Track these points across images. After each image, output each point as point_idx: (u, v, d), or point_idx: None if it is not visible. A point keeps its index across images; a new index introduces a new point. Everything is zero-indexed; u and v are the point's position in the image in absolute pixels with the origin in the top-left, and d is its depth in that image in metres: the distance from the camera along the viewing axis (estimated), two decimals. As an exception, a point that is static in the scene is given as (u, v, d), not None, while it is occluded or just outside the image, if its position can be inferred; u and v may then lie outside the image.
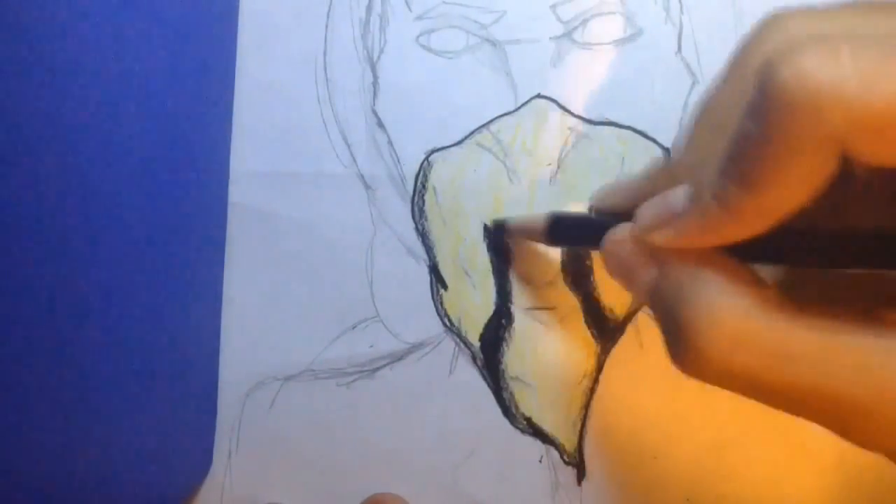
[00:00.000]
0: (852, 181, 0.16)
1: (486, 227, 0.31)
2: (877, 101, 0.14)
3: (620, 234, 0.21)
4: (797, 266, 0.20)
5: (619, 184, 0.25)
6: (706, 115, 0.21)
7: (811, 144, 0.15)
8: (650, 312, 0.31)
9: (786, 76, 0.15)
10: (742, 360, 0.17)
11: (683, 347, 0.18)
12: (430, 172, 0.32)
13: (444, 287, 0.32)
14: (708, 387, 0.19)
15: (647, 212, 0.20)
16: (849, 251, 0.18)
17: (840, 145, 0.15)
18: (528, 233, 0.29)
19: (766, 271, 0.19)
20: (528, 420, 0.31)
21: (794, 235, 0.18)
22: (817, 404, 0.17)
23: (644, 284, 0.20)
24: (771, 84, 0.15)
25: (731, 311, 0.17)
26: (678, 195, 0.19)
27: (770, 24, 0.18)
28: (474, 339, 0.32)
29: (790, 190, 0.16)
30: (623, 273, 0.21)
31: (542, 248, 0.31)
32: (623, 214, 0.21)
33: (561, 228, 0.26)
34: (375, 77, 0.32)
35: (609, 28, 0.31)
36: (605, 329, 0.31)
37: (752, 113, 0.16)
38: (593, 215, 0.26)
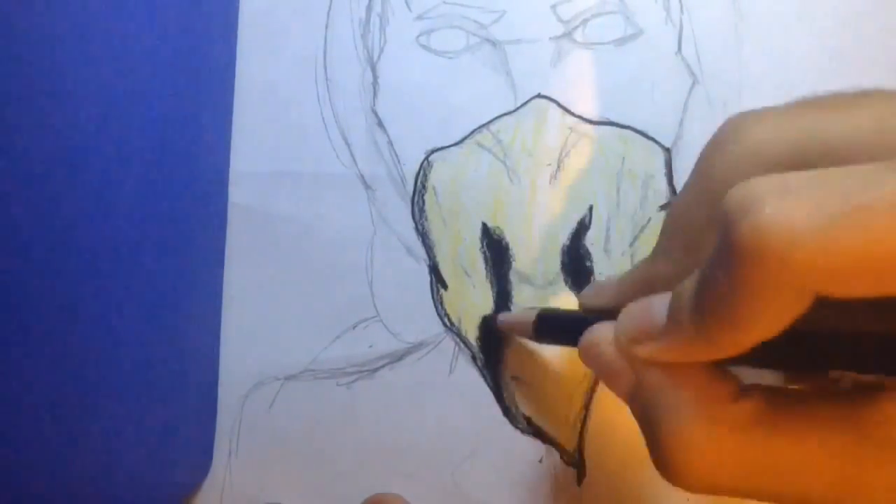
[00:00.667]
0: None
1: (484, 226, 0.32)
2: (838, 252, 0.14)
3: (598, 335, 0.22)
4: (779, 369, 0.20)
5: (603, 283, 0.26)
6: (675, 223, 0.21)
7: (779, 292, 0.15)
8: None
9: (746, 232, 0.15)
10: (720, 477, 0.18)
11: (661, 460, 0.19)
12: (430, 172, 0.32)
13: (444, 287, 0.32)
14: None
15: (628, 321, 0.20)
16: (832, 355, 0.18)
17: (809, 290, 0.15)
18: (517, 330, 0.30)
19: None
20: (528, 420, 0.31)
21: (777, 346, 0.17)
22: None
23: (623, 387, 0.21)
24: (733, 238, 0.15)
25: (707, 434, 0.18)
26: (659, 308, 0.19)
27: (732, 132, 0.18)
28: (474, 339, 0.32)
29: (764, 326, 0.16)
30: (603, 374, 0.22)
31: (542, 247, 0.31)
32: (608, 312, 0.22)
33: (547, 326, 0.27)
34: (375, 77, 0.32)
35: (609, 28, 0.31)
36: (606, 329, 0.31)
37: (719, 262, 0.16)
38: (579, 314, 0.26)
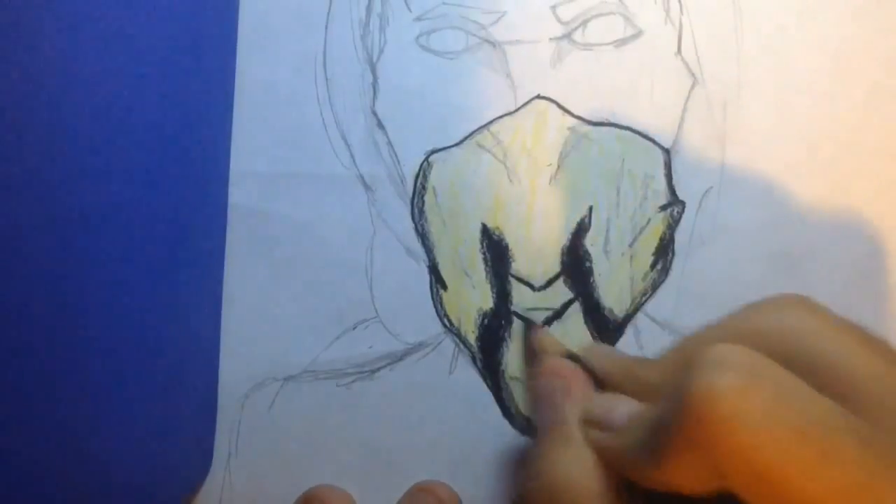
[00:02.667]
0: None
1: (483, 227, 0.31)
2: (751, 455, 0.16)
3: (558, 368, 0.26)
4: None
5: (609, 352, 0.28)
6: (685, 349, 0.23)
7: (698, 458, 0.17)
8: (650, 313, 0.31)
9: (701, 391, 0.16)
10: None
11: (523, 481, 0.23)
12: (429, 173, 0.32)
13: (444, 287, 0.32)
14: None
15: (600, 401, 0.24)
16: None
17: (716, 479, 0.17)
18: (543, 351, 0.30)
19: None
20: (528, 420, 0.31)
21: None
22: None
23: (542, 419, 0.25)
24: (688, 391, 0.17)
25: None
26: (623, 412, 0.22)
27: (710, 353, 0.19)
28: (474, 340, 0.32)
29: (681, 481, 0.18)
30: (546, 398, 0.26)
31: (542, 247, 0.31)
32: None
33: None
34: (375, 77, 0.32)
35: (609, 29, 0.31)
36: (605, 329, 0.31)
37: (671, 404, 0.18)
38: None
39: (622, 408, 0.22)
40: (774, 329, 0.20)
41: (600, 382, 0.26)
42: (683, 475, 0.17)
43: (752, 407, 0.16)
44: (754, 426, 0.15)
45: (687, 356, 0.21)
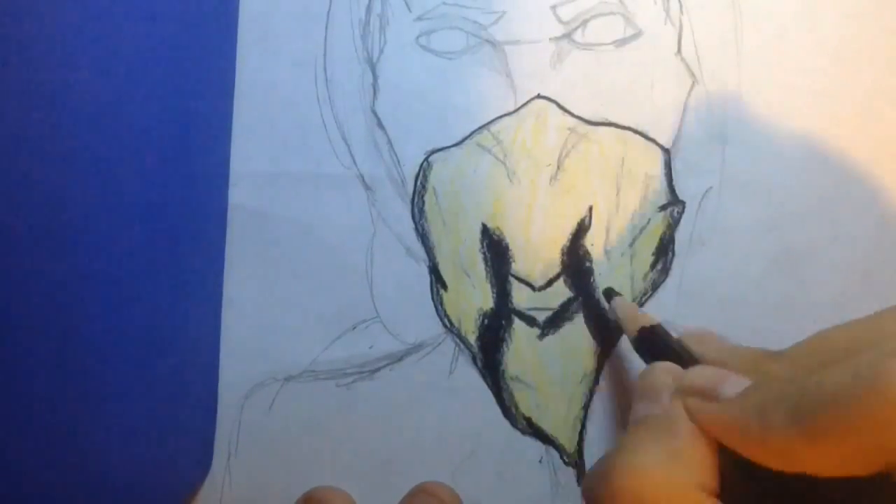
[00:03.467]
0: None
1: (483, 227, 0.31)
2: None
3: (667, 367, 0.24)
4: None
5: (712, 339, 0.27)
6: (826, 343, 0.22)
7: (869, 442, 0.16)
8: (650, 313, 0.31)
9: (890, 381, 0.16)
10: None
11: (598, 484, 0.20)
12: (429, 173, 0.32)
13: (444, 287, 0.32)
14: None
15: (705, 373, 0.22)
16: None
17: (884, 460, 0.16)
18: (620, 321, 0.30)
19: None
20: (528, 420, 0.31)
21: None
22: None
23: (637, 410, 0.23)
24: (880, 373, 0.16)
25: (658, 488, 0.19)
26: (732, 386, 0.20)
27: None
28: (474, 340, 0.32)
29: (831, 459, 0.17)
30: (647, 392, 0.23)
31: (542, 247, 0.31)
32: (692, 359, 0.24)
33: (647, 341, 0.27)
34: (375, 77, 0.32)
35: (609, 29, 0.31)
36: (605, 329, 0.31)
37: (850, 382, 0.17)
38: (677, 346, 0.26)
39: (736, 380, 0.21)
40: None
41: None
42: (838, 453, 0.17)
43: None
44: None
45: (832, 349, 0.20)
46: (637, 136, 0.31)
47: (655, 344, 0.27)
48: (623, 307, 0.30)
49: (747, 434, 0.19)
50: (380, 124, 0.32)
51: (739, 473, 0.19)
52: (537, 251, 0.31)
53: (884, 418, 0.16)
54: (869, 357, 0.17)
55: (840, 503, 0.18)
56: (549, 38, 0.32)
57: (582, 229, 0.31)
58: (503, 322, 0.31)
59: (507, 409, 0.32)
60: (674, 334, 0.27)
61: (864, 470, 0.17)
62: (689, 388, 0.21)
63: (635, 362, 0.31)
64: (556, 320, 0.31)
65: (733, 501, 0.19)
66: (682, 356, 0.25)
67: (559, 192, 0.31)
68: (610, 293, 0.31)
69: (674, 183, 0.31)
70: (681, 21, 0.32)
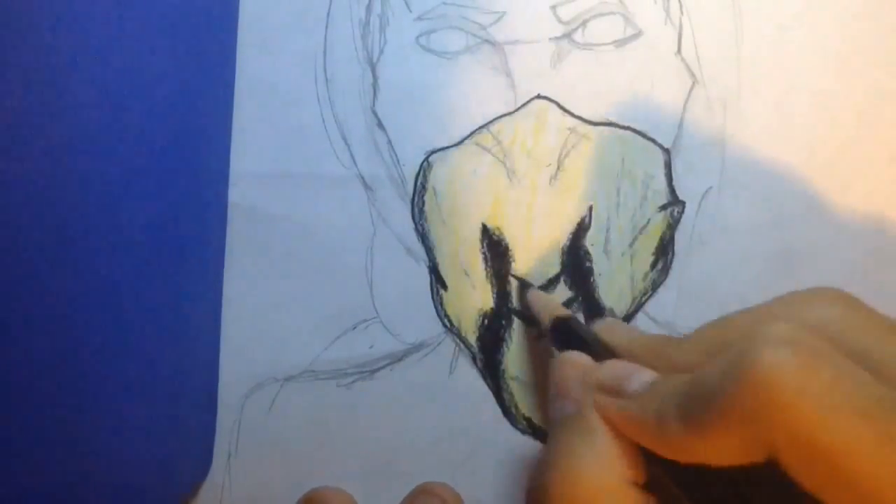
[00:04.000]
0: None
1: (483, 227, 0.32)
2: (830, 431, 0.15)
3: (579, 359, 0.24)
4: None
5: (620, 327, 0.27)
6: (727, 328, 0.22)
7: (756, 426, 0.16)
8: (650, 313, 0.31)
9: (763, 369, 0.16)
10: None
11: (538, 491, 0.21)
12: (429, 173, 0.32)
13: (444, 287, 0.32)
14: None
15: (612, 369, 0.22)
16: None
17: (767, 449, 0.16)
18: (535, 313, 0.30)
19: None
20: (528, 420, 0.31)
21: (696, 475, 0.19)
22: None
23: (559, 411, 0.23)
24: (750, 362, 0.16)
25: (594, 490, 0.20)
26: (642, 380, 0.21)
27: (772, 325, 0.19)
28: (474, 340, 0.32)
29: (720, 450, 0.17)
30: (558, 389, 0.23)
31: (542, 247, 0.31)
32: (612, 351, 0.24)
33: (560, 331, 0.27)
34: (375, 77, 0.32)
35: (609, 29, 0.31)
36: (605, 329, 0.31)
37: (726, 381, 0.17)
38: (589, 336, 0.26)
39: (640, 375, 0.21)
40: (819, 320, 0.19)
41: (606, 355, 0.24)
42: (724, 445, 0.17)
43: (816, 384, 0.16)
44: (818, 402, 0.16)
45: (729, 336, 0.21)
46: (637, 136, 0.31)
47: (569, 335, 0.27)
48: (538, 298, 0.30)
49: (645, 430, 0.19)
50: (380, 124, 0.32)
51: (658, 462, 0.20)
52: (537, 251, 0.31)
53: (755, 409, 0.16)
54: (743, 346, 0.17)
55: (742, 488, 0.18)
56: (549, 38, 0.32)
57: (582, 229, 0.31)
58: (503, 322, 0.31)
59: (507, 409, 0.32)
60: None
61: (751, 458, 0.17)
62: (598, 383, 0.22)
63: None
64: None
65: (660, 488, 0.20)
66: (595, 348, 0.25)
67: (559, 192, 0.31)
68: (525, 284, 0.31)
69: (674, 183, 0.31)
70: (681, 21, 0.32)
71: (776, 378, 0.16)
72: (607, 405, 0.21)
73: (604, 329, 0.26)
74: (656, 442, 0.19)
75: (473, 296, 0.32)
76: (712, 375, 0.18)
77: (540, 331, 0.31)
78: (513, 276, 0.31)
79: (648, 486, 0.20)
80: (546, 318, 0.28)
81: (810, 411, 0.16)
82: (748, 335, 0.17)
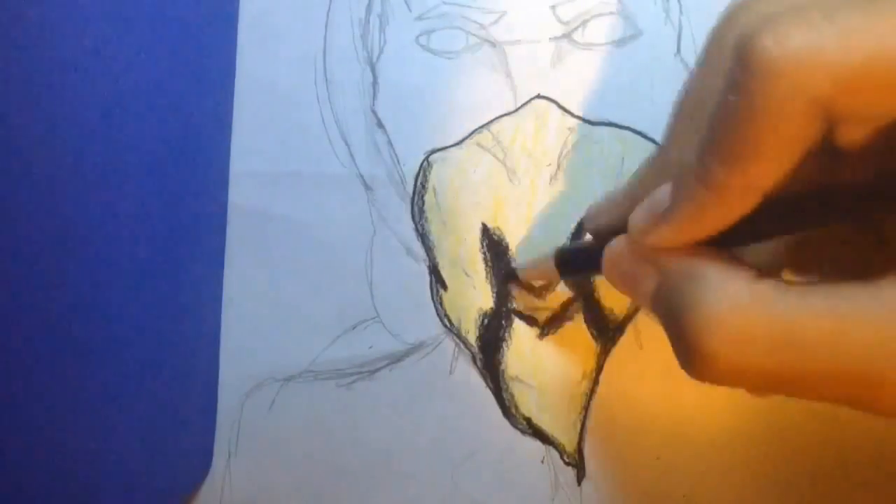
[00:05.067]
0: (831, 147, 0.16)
1: (483, 227, 0.32)
2: (855, 57, 0.14)
3: (618, 245, 0.21)
4: (788, 233, 0.20)
5: (610, 196, 0.25)
6: (686, 107, 0.20)
7: (795, 108, 0.15)
8: (650, 313, 0.31)
9: (764, 44, 0.15)
10: (748, 356, 0.17)
11: (688, 352, 0.18)
12: (429, 173, 0.32)
13: (444, 287, 0.32)
14: (707, 386, 0.19)
15: (637, 216, 0.20)
16: (835, 207, 0.18)
17: (823, 106, 0.15)
18: (539, 274, 0.30)
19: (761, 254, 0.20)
20: (528, 420, 0.31)
21: (780, 205, 0.17)
22: (833, 386, 0.16)
23: (645, 293, 0.20)
24: (750, 54, 0.15)
25: (729, 309, 0.17)
26: (664, 192, 0.19)
27: (739, 4, 0.18)
28: (474, 340, 0.32)
29: (775, 160, 0.16)
30: (626, 284, 0.21)
31: (541, 246, 0.31)
32: (621, 229, 0.21)
33: (568, 262, 0.27)
34: (375, 77, 0.32)
35: (609, 29, 0.31)
36: (605, 329, 0.31)
37: (732, 86, 0.15)
38: (592, 243, 0.25)
39: (661, 192, 0.19)
40: None
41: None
42: (775, 139, 0.15)
43: (822, 24, 0.14)
44: (839, 30, 0.14)
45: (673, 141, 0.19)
46: (637, 136, 0.31)
47: (576, 255, 0.27)
48: (528, 266, 0.30)
49: (715, 205, 0.17)
50: (380, 124, 0.32)
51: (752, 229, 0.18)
52: (537, 251, 0.31)
53: (787, 88, 0.15)
54: (734, 43, 0.15)
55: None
56: (549, 38, 0.32)
57: (582, 229, 0.31)
58: (503, 322, 0.31)
59: (507, 409, 0.32)
60: None
61: (809, 140, 0.15)
62: (639, 232, 0.20)
63: (635, 362, 0.31)
64: (556, 320, 0.31)
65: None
66: (599, 243, 0.23)
67: (559, 192, 0.31)
68: (510, 273, 0.31)
69: (674, 183, 0.31)
70: (680, 21, 0.32)
71: (793, 43, 0.14)
72: (665, 239, 0.19)
73: (594, 214, 0.25)
74: (717, 210, 0.17)
75: (473, 296, 0.32)
76: (723, 102, 0.16)
77: (540, 329, 0.31)
78: (503, 273, 0.31)
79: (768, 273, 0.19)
80: (548, 271, 0.28)
81: (835, 46, 0.14)
82: (735, 44, 0.15)
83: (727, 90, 0.16)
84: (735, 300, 0.17)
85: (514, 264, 0.31)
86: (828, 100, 0.15)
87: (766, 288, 0.17)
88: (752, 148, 0.16)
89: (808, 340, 0.16)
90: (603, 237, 0.23)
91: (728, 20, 0.18)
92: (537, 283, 0.31)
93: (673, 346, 0.19)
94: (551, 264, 0.27)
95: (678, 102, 0.21)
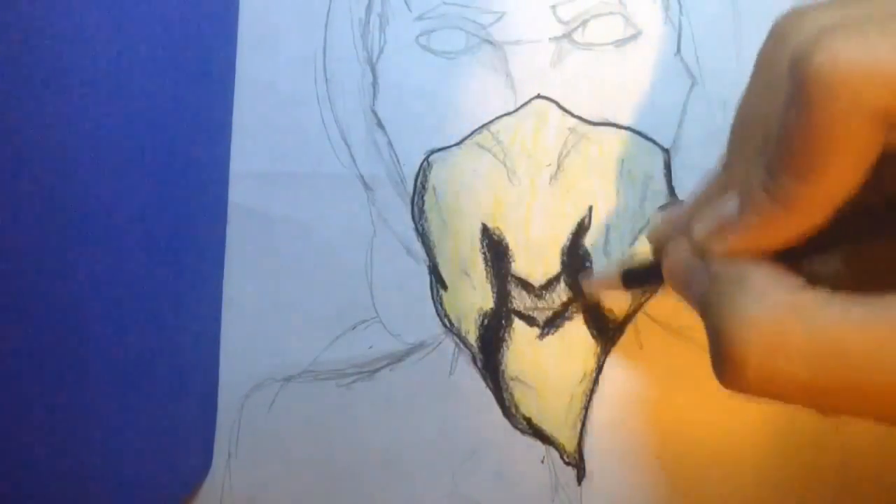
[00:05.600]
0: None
1: (483, 227, 0.32)
2: None
3: (678, 249, 0.22)
4: (846, 244, 0.20)
5: (673, 211, 0.25)
6: (742, 125, 0.21)
7: (857, 122, 0.15)
8: (650, 313, 0.31)
9: (820, 61, 0.15)
10: (780, 364, 0.17)
11: (718, 356, 0.18)
12: (429, 173, 0.32)
13: (444, 287, 0.32)
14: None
15: (701, 221, 0.20)
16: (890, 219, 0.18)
17: (885, 117, 0.15)
18: (606, 287, 0.30)
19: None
20: (528, 420, 0.31)
21: (842, 217, 0.17)
22: (874, 400, 0.16)
23: (696, 296, 0.20)
24: (806, 73, 0.15)
25: (766, 316, 0.17)
26: (730, 202, 0.19)
27: (788, 23, 0.18)
28: (474, 340, 0.32)
29: (843, 172, 0.16)
30: (681, 287, 0.22)
31: (541, 247, 0.31)
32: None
33: (632, 278, 0.28)
34: (375, 77, 0.32)
35: (608, 29, 0.31)
36: (605, 329, 0.31)
37: (793, 104, 0.16)
38: (652, 261, 0.26)
39: (727, 202, 0.19)
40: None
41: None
42: (838, 155, 0.15)
43: (875, 37, 0.15)
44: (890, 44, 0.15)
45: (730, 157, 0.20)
46: (637, 136, 0.31)
47: (639, 273, 0.28)
48: (594, 280, 0.30)
49: (778, 219, 0.18)
50: (380, 124, 0.32)
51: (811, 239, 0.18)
52: (537, 251, 0.31)
53: (848, 102, 0.15)
54: (790, 65, 0.16)
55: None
56: (549, 38, 0.32)
57: (582, 229, 0.31)
58: (503, 322, 0.31)
59: (507, 409, 0.32)
60: None
61: (874, 151, 0.16)
62: (702, 236, 0.20)
63: (635, 362, 0.31)
64: (556, 320, 0.31)
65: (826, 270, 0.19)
66: (652, 266, 0.25)
67: (559, 192, 0.31)
68: (577, 279, 0.31)
69: (674, 183, 0.31)
70: (680, 21, 0.32)
71: (849, 57, 0.15)
72: (727, 246, 0.19)
73: (657, 224, 0.26)
74: (781, 222, 0.18)
75: (473, 296, 0.32)
76: (785, 121, 0.16)
77: (540, 329, 0.31)
78: (513, 275, 0.31)
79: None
80: (613, 284, 0.29)
81: (892, 58, 0.14)
82: (790, 64, 0.16)
83: (788, 107, 0.16)
84: (774, 307, 0.17)
85: (580, 277, 0.31)
86: (889, 110, 0.15)
87: (809, 297, 0.17)
88: (819, 161, 0.16)
89: (852, 352, 0.16)
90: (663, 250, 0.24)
91: (777, 39, 0.18)
92: (601, 292, 0.31)
93: (710, 352, 0.19)
94: (616, 280, 0.28)
95: (736, 119, 0.21)
